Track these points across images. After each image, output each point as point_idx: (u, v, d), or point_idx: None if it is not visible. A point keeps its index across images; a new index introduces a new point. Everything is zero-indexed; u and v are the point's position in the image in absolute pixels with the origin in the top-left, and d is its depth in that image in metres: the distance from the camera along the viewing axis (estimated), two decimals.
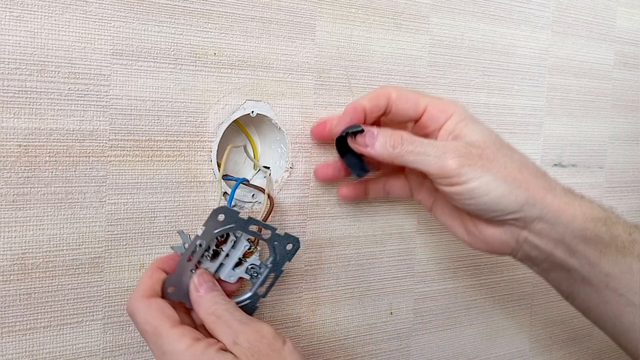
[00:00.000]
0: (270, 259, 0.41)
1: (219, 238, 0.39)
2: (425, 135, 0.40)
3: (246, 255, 0.41)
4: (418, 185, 0.45)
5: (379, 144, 0.38)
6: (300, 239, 0.40)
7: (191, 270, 0.38)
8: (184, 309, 0.38)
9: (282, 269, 0.41)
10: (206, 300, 0.37)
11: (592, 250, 0.38)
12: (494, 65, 0.55)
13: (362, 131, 0.39)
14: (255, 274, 0.41)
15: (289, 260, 0.41)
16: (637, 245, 0.39)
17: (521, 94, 0.57)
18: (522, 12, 0.57)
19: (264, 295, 0.41)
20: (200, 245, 0.38)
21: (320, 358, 0.48)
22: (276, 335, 0.35)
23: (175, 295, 0.38)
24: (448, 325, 0.56)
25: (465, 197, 0.37)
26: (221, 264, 0.40)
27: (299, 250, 0.41)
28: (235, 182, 0.43)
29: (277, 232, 0.39)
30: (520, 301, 0.60)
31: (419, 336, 0.54)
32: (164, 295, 0.37)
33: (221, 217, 0.38)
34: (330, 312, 0.48)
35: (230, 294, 0.40)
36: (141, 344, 0.40)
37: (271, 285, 0.41)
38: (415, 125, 0.42)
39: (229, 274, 0.40)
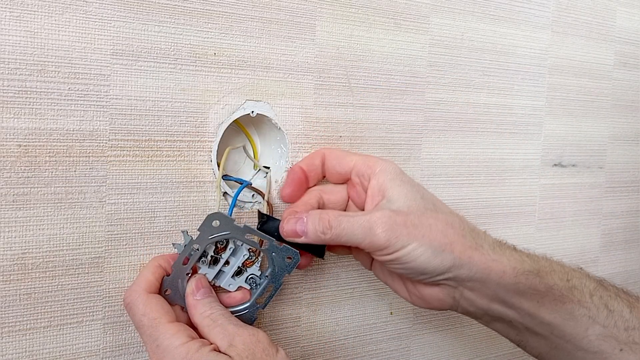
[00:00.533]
0: (269, 270, 0.41)
1: (218, 245, 0.39)
2: (362, 190, 0.42)
3: (247, 264, 0.41)
4: (355, 248, 0.43)
5: (311, 232, 0.38)
6: (283, 255, 0.40)
7: (187, 274, 0.38)
8: (181, 312, 0.39)
9: (281, 281, 0.41)
10: (202, 304, 0.37)
11: (529, 302, 0.39)
12: (494, 65, 0.55)
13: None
14: (255, 284, 0.41)
15: (289, 274, 0.41)
16: (576, 291, 0.39)
17: (521, 94, 0.57)
18: (522, 12, 0.57)
19: (263, 307, 0.41)
20: (196, 249, 0.38)
21: (320, 358, 0.48)
22: (271, 343, 0.36)
23: (171, 297, 0.38)
24: (448, 325, 0.56)
25: (396, 263, 0.38)
26: (221, 271, 0.40)
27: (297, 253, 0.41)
28: (234, 182, 0.43)
29: (274, 243, 0.39)
30: None
31: (419, 336, 0.54)
32: (161, 294, 0.37)
33: (216, 223, 0.38)
34: (330, 312, 0.48)
35: (233, 305, 0.40)
36: (141, 344, 0.40)
37: (270, 296, 0.41)
38: (349, 183, 0.43)
39: (228, 282, 0.40)
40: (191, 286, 0.38)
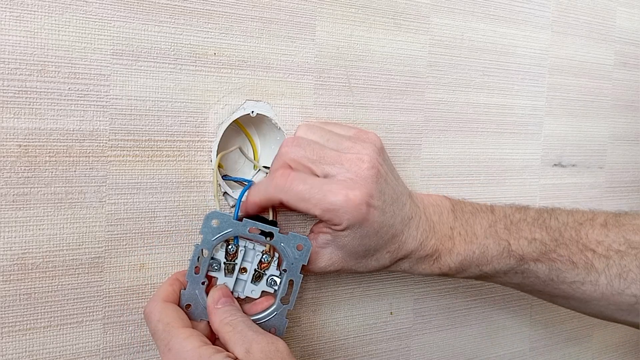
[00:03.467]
0: (284, 263, 0.39)
1: (228, 250, 0.39)
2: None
3: (263, 267, 0.40)
4: None
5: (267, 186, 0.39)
6: (292, 243, 0.39)
7: (202, 283, 0.38)
8: (206, 326, 0.38)
9: (300, 273, 0.39)
10: (223, 311, 0.37)
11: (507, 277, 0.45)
12: (494, 65, 0.55)
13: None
14: (275, 284, 0.40)
15: (305, 263, 0.39)
16: (491, 279, 0.46)
17: (521, 94, 0.57)
18: (522, 12, 0.57)
19: (291, 306, 0.39)
20: (204, 254, 0.38)
21: (320, 358, 0.48)
22: (290, 354, 0.34)
23: (193, 312, 0.38)
24: (448, 325, 0.56)
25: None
26: (239, 280, 0.39)
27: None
28: (234, 182, 0.43)
29: (280, 232, 0.38)
30: (520, 301, 0.60)
31: (419, 336, 0.54)
32: (182, 308, 0.38)
33: (214, 222, 0.37)
34: (330, 312, 0.48)
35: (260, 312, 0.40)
36: (141, 344, 0.40)
37: (294, 292, 0.39)
38: None
39: (250, 289, 0.40)
40: (213, 296, 0.38)
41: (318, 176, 0.39)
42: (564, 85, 0.60)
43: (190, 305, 0.38)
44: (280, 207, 0.40)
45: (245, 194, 0.40)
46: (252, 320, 0.38)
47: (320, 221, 0.40)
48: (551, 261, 0.43)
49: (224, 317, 0.36)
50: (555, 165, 0.60)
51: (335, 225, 0.38)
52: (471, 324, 0.57)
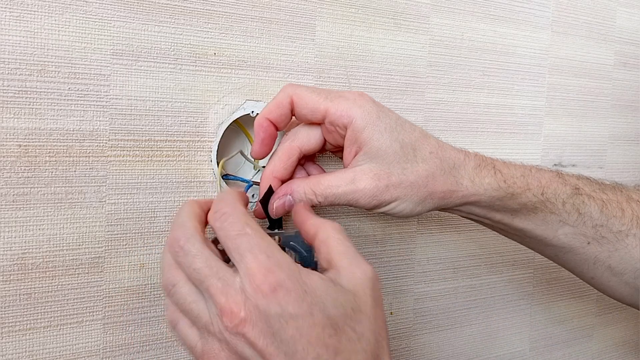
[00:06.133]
0: (297, 258, 0.38)
1: None
2: (339, 137, 0.39)
3: None
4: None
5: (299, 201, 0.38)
6: (301, 239, 0.39)
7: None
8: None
9: (315, 260, 0.37)
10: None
11: (502, 215, 0.43)
12: (494, 65, 0.55)
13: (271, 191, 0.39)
14: None
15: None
16: (549, 203, 0.43)
17: (521, 94, 0.57)
18: (522, 12, 0.57)
19: None
20: None
21: None
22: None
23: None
24: (448, 325, 0.56)
25: (386, 213, 0.40)
26: None
27: None
28: (234, 181, 0.43)
29: (285, 234, 0.38)
30: (520, 301, 0.60)
31: (419, 336, 0.54)
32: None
33: None
34: None
35: None
36: (141, 344, 0.40)
37: None
38: (323, 127, 0.40)
39: None
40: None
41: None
42: (564, 85, 0.60)
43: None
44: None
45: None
46: None
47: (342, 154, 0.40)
48: (603, 203, 0.43)
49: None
50: (555, 165, 0.60)
51: (351, 124, 0.37)
52: (471, 324, 0.57)
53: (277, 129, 0.39)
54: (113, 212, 0.38)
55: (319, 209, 0.46)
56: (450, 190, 0.40)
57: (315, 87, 0.39)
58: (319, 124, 0.39)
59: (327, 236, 0.34)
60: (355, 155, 0.39)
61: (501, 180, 0.41)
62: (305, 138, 0.40)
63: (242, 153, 0.44)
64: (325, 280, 0.31)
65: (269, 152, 0.39)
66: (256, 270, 0.29)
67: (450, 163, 0.40)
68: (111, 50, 0.37)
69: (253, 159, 0.46)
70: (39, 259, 0.36)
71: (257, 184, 0.43)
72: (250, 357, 0.29)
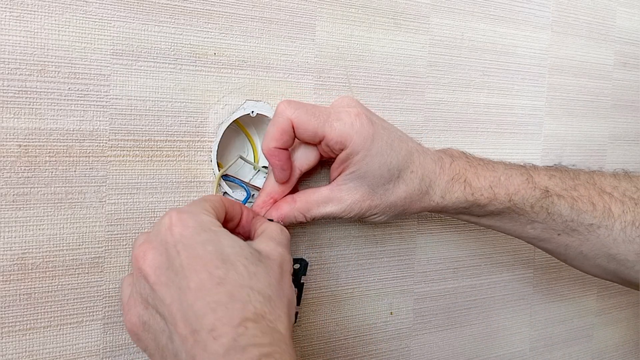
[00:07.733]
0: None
1: None
2: (332, 153, 0.41)
3: None
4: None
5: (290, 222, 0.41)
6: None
7: None
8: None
9: (302, 282, 0.41)
10: None
11: (468, 217, 0.46)
12: (494, 65, 0.55)
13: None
14: None
15: (304, 275, 0.42)
16: (517, 207, 0.45)
17: (521, 94, 0.57)
18: (522, 12, 0.57)
19: (297, 303, 0.41)
20: None
21: (320, 358, 0.48)
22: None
23: None
24: (448, 325, 0.56)
25: (362, 220, 0.45)
26: None
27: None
28: (234, 182, 0.43)
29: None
30: (520, 301, 0.61)
31: (419, 336, 0.54)
32: None
33: None
34: (330, 312, 0.48)
35: None
36: None
37: (299, 297, 0.41)
38: (319, 145, 0.41)
39: None
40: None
41: None
42: (564, 85, 0.60)
43: None
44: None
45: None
46: None
47: (333, 164, 0.41)
48: (573, 200, 0.45)
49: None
50: (555, 165, 0.60)
51: (346, 148, 0.39)
52: (471, 324, 0.57)
53: (286, 149, 0.40)
54: (113, 212, 0.38)
55: None
56: (422, 206, 0.44)
57: (310, 106, 0.40)
58: (315, 144, 0.41)
59: (272, 229, 0.36)
60: (343, 171, 0.41)
61: (469, 193, 0.44)
62: (305, 159, 0.42)
63: (242, 157, 0.44)
64: (238, 239, 0.33)
65: (290, 172, 0.41)
66: (174, 218, 0.32)
67: (427, 181, 0.43)
68: (111, 50, 0.37)
69: (257, 164, 0.45)
70: (39, 259, 0.36)
71: (257, 188, 0.43)
72: (148, 298, 0.32)
